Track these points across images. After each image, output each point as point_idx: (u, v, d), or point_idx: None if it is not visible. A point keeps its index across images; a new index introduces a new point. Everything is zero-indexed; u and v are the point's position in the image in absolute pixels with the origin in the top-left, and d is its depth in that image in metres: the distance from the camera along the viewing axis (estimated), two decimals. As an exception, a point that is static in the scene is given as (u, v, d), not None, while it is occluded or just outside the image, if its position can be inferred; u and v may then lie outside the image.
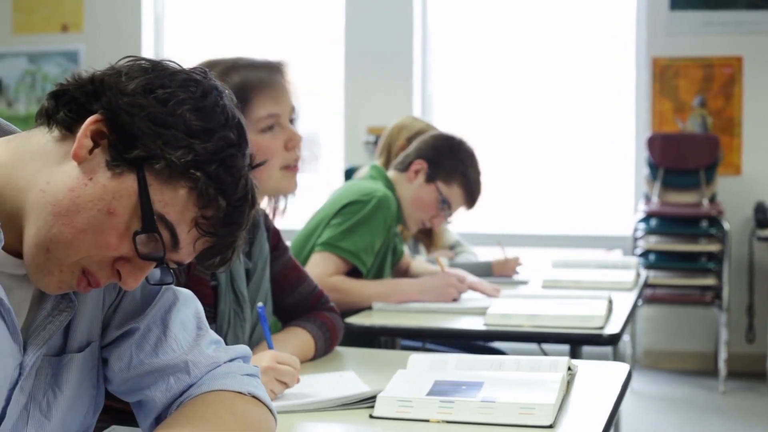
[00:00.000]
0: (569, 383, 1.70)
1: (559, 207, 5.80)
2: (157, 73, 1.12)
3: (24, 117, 6.46)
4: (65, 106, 1.12)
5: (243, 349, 1.34)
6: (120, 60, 1.16)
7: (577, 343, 2.35)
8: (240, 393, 1.25)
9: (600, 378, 1.82)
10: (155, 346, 1.27)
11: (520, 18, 5.82)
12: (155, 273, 1.15)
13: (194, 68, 1.16)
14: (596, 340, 2.29)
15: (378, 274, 2.81)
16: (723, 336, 5.12)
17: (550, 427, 1.48)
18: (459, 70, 5.92)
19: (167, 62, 1.16)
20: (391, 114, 5.85)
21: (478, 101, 5.88)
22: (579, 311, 2.39)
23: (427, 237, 3.59)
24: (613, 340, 2.27)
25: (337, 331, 2.02)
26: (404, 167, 2.92)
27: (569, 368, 1.72)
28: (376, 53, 5.80)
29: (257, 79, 1.81)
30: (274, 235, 2.03)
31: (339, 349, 2.09)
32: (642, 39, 5.54)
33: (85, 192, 1.08)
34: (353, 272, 2.70)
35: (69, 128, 1.12)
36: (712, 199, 5.27)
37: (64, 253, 1.09)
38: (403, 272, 3.06)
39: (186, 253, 1.13)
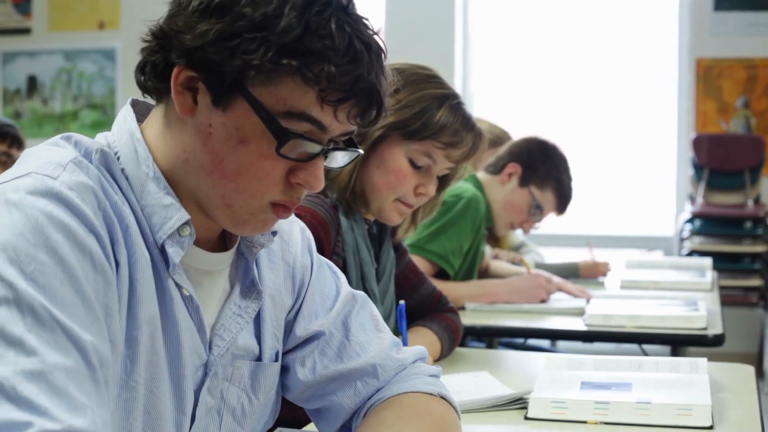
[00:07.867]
0: (706, 384, 1.70)
1: (598, 207, 5.78)
2: None
3: (59, 115, 6.44)
4: (151, 75, 1.07)
5: (422, 350, 1.34)
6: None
7: (682, 344, 2.36)
8: (431, 394, 1.26)
9: (727, 379, 1.82)
10: (339, 350, 1.26)
11: (561, 19, 5.81)
12: (337, 157, 1.09)
13: None
14: (701, 341, 2.29)
15: (467, 276, 2.80)
16: (769, 337, 5.12)
17: (710, 428, 1.48)
18: (500, 71, 5.92)
19: None
20: (431, 113, 5.85)
21: (519, 101, 5.87)
22: (680, 312, 2.39)
23: (492, 238, 3.58)
24: (718, 340, 2.27)
25: (459, 332, 2.02)
26: (497, 169, 2.92)
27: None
28: (416, 53, 5.73)
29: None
30: (393, 235, 2.02)
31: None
32: (685, 40, 5.54)
33: (213, 140, 1.04)
34: (440, 273, 2.69)
35: (167, 93, 1.06)
36: (757, 200, 5.27)
37: (241, 200, 1.06)
38: (483, 272, 3.05)
39: (338, 127, 1.06)
